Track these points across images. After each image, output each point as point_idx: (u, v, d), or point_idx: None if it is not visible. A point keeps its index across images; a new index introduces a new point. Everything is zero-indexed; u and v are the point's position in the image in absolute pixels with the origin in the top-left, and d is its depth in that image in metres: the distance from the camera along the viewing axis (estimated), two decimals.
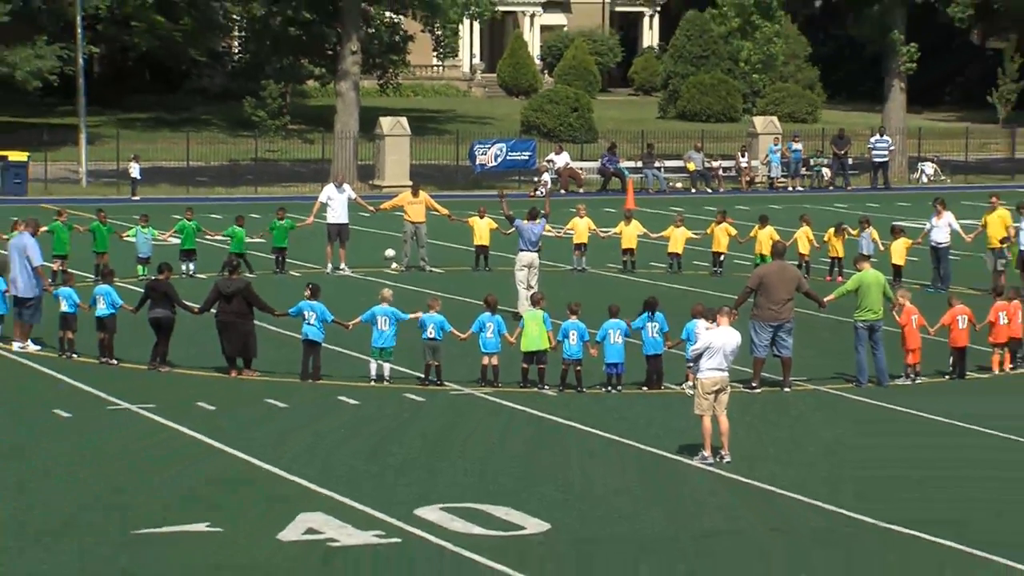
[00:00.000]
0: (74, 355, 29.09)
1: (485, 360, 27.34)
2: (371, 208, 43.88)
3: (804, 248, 38.97)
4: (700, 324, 25.18)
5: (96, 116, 69.50)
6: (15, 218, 33.27)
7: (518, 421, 25.44)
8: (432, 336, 27.29)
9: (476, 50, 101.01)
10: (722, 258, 40.46)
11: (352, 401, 26.42)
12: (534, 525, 19.75)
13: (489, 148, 64.30)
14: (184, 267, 37.16)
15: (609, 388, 27.13)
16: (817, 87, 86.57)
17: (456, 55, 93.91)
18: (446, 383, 27.35)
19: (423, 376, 27.38)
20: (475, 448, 23.85)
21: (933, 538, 19.18)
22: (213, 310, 28.32)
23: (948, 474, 22.52)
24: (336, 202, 40.86)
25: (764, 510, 20.79)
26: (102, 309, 28.77)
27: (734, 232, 40.71)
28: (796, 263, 35.99)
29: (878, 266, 30.36)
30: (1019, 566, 18.30)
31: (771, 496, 21.34)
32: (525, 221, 34.71)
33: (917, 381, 28.17)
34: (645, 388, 27.19)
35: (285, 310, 28.41)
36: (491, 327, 27.30)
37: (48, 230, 36.05)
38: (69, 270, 35.19)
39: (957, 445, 24.37)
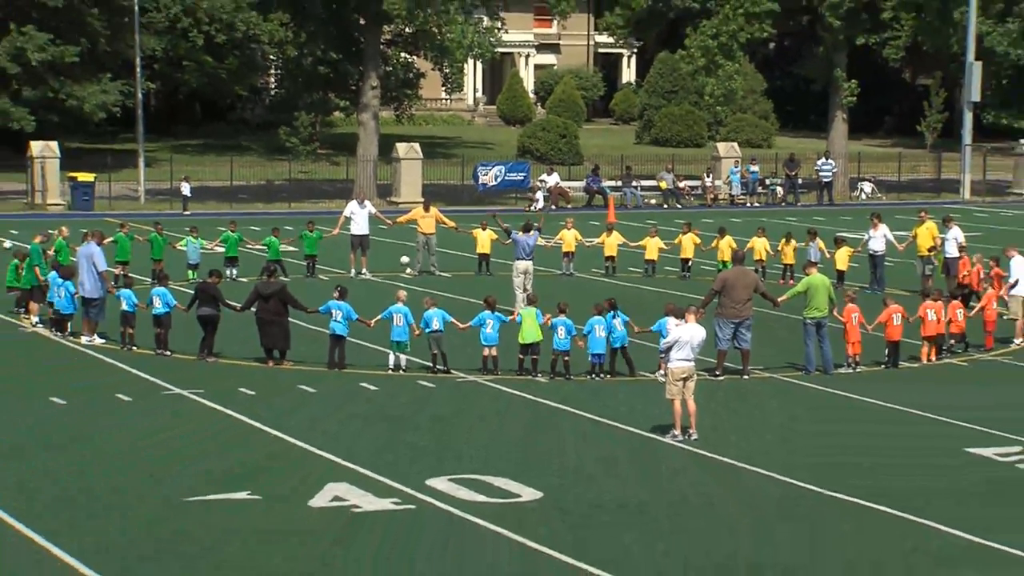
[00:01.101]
0: (134, 348, 29.13)
1: (486, 351, 27.38)
2: (388, 221, 43.88)
3: (760, 255, 39.07)
4: (671, 321, 25.20)
5: (152, 143, 69.52)
6: (84, 230, 33.31)
7: (515, 404, 25.45)
8: (436, 328, 27.34)
9: (479, 85, 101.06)
10: (689, 264, 40.53)
11: (372, 387, 26.45)
12: (529, 493, 19.81)
13: (490, 169, 64.32)
14: (228, 272, 37.17)
15: (593, 375, 27.17)
16: (771, 117, 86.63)
17: (462, 90, 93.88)
18: (452, 371, 27.39)
19: (431, 365, 27.42)
20: (478, 427, 23.89)
21: (864, 502, 19.27)
22: (253, 309, 28.39)
23: (883, 450, 22.59)
24: (358, 216, 40.92)
25: (728, 480, 20.86)
26: (158, 308, 28.84)
27: (699, 241, 40.80)
28: (754, 268, 36.03)
29: (824, 271, 30.44)
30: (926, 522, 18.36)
31: (733, 468, 21.41)
32: (520, 233, 34.83)
33: (857, 370, 28.21)
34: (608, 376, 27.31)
35: (316, 308, 28.50)
36: (490, 323, 27.38)
37: (112, 240, 36.16)
38: (130, 274, 35.26)
39: (891, 424, 24.44)
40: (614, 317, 27.15)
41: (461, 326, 27.71)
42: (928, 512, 19.08)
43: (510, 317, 28.23)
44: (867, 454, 22.23)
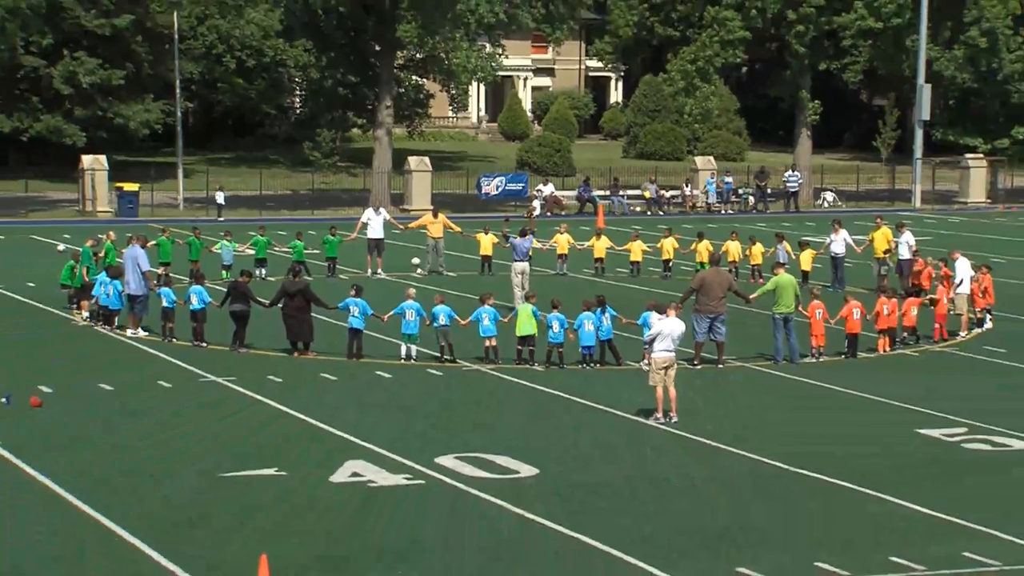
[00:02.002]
0: (173, 340, 29.13)
1: (486, 343, 27.40)
2: (401, 226, 43.92)
3: (734, 257, 39.08)
4: (653, 316, 25.19)
5: (190, 156, 69.50)
6: (129, 235, 33.29)
7: (515, 391, 25.46)
8: (443, 323, 27.38)
9: (482, 105, 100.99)
10: (670, 265, 40.49)
11: (387, 376, 26.45)
12: (526, 470, 19.83)
13: (492, 180, 64.35)
14: (258, 272, 37.16)
15: (584, 365, 27.16)
16: (744, 134, 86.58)
17: (466, 109, 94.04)
18: (458, 360, 27.39)
19: (439, 355, 27.44)
20: (481, 411, 23.90)
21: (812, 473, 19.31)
22: (280, 305, 28.40)
23: (844, 432, 22.63)
24: (374, 222, 40.90)
25: (704, 458, 20.88)
26: (195, 304, 28.82)
27: (678, 245, 40.88)
28: (728, 269, 36.02)
29: (790, 271, 30.43)
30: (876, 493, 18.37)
31: (709, 448, 21.42)
32: (517, 238, 35.02)
33: (821, 360, 28.21)
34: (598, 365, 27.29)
35: (335, 305, 28.50)
36: (486, 317, 27.38)
37: (155, 243, 36.16)
38: (170, 274, 35.27)
39: (850, 408, 24.47)
40: (603, 313, 27.20)
41: (463, 322, 27.73)
42: (885, 487, 19.09)
43: (507, 317, 28.11)
44: (830, 435, 22.25)
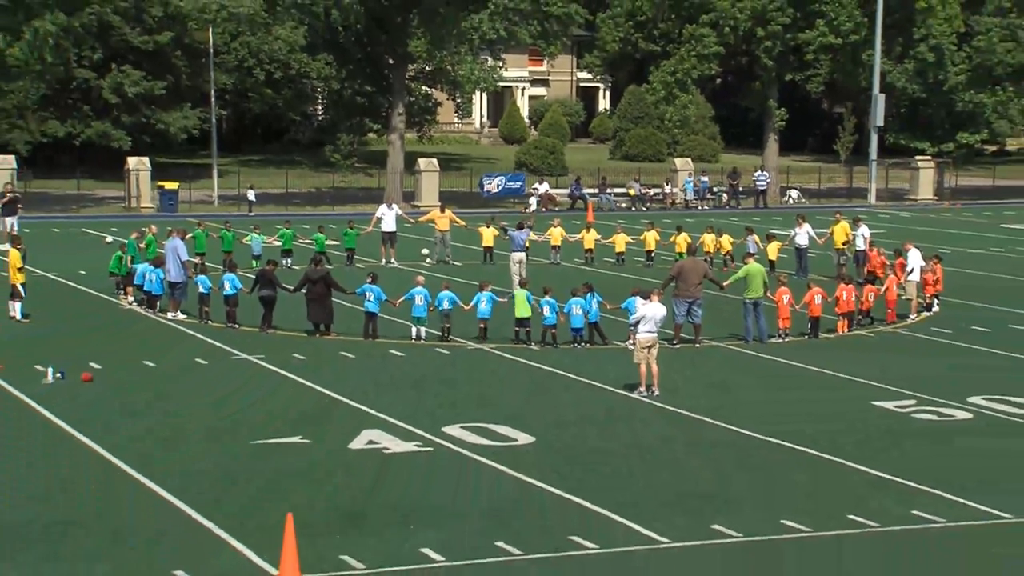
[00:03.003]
0: (209, 322, 29.12)
1: (481, 324, 27.40)
2: (411, 220, 43.94)
3: (709, 248, 39.04)
4: (638, 300, 25.19)
5: (224, 158, 69.43)
6: (169, 228, 33.24)
7: (513, 368, 25.46)
8: (447, 308, 27.41)
9: (484, 112, 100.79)
10: (652, 255, 40.51)
11: (399, 354, 26.44)
12: (524, 438, 19.84)
13: (493, 179, 64.31)
14: (284, 261, 37.14)
15: (575, 345, 27.16)
16: (718, 138, 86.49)
17: (470, 116, 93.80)
18: (461, 340, 27.37)
19: (441, 334, 27.43)
20: (483, 385, 23.90)
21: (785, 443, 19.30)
22: (303, 291, 28.40)
23: (807, 403, 22.64)
24: (388, 216, 40.87)
25: (683, 428, 20.88)
26: (228, 290, 28.83)
27: (659, 237, 40.87)
28: (703, 259, 35.99)
29: (759, 261, 30.43)
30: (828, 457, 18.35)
31: (688, 418, 21.43)
32: (515, 230, 35.03)
33: (786, 340, 28.22)
34: (588, 344, 27.27)
35: (353, 291, 28.50)
36: (484, 301, 27.39)
37: (192, 236, 36.08)
38: (206, 263, 35.24)
39: (813, 383, 24.48)
40: (592, 297, 27.21)
41: (466, 308, 27.71)
42: (842, 453, 19.12)
43: (502, 299, 28.08)
44: (795, 406, 22.26)
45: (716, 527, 15.72)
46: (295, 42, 71.50)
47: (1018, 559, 15.05)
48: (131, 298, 31.67)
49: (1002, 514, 16.47)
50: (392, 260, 40.06)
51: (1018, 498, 17.05)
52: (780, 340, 28.16)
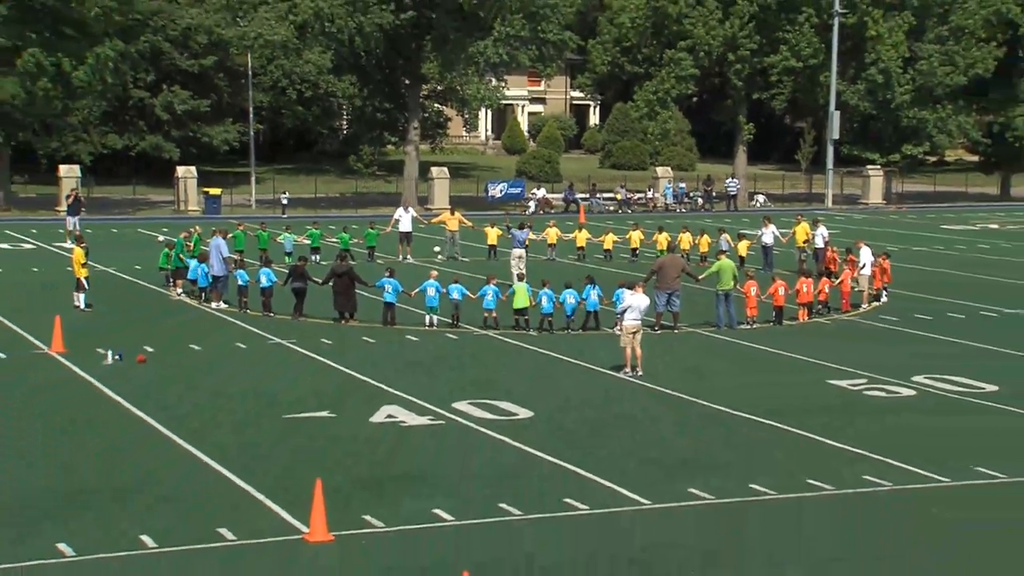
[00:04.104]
0: (247, 311, 29.12)
1: (486, 314, 27.36)
2: (425, 222, 43.94)
3: (686, 246, 39.01)
4: (625, 292, 25.21)
5: (260, 167, 69.34)
6: (213, 228, 33.30)
7: (513, 351, 25.45)
8: (457, 298, 27.37)
9: (489, 127, 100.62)
10: (636, 251, 40.47)
11: (414, 339, 26.44)
12: (523, 412, 19.84)
13: (497, 185, 64.29)
14: (313, 258, 37.12)
15: (568, 330, 27.11)
16: (694, 149, 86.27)
17: (477, 129, 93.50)
18: (468, 327, 27.36)
19: (451, 322, 27.40)
20: (488, 365, 23.90)
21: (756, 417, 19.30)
22: (330, 283, 28.37)
23: (772, 382, 22.63)
24: (404, 218, 40.86)
25: (663, 403, 20.87)
26: (264, 283, 28.83)
27: (643, 236, 40.83)
28: (681, 255, 35.94)
29: (730, 257, 30.36)
30: (798, 431, 18.34)
31: (667, 395, 21.42)
32: (517, 229, 35.03)
33: (754, 327, 28.20)
34: (581, 330, 27.23)
35: (373, 283, 28.48)
36: (490, 293, 27.36)
37: (232, 235, 36.02)
38: (244, 259, 35.17)
39: (777, 364, 24.46)
40: (592, 288, 27.18)
41: (473, 297, 27.70)
42: (802, 425, 19.12)
43: (504, 294, 28.05)
44: (761, 384, 22.25)
45: (691, 490, 15.72)
46: (323, 65, 71.28)
47: (953, 518, 15.09)
48: (179, 290, 31.66)
49: (940, 478, 16.48)
50: (408, 257, 40.01)
51: (955, 464, 17.05)
52: (748, 327, 28.14)
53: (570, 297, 26.95)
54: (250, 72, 63.87)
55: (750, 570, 13.19)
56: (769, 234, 38.26)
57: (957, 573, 13.38)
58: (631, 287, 24.33)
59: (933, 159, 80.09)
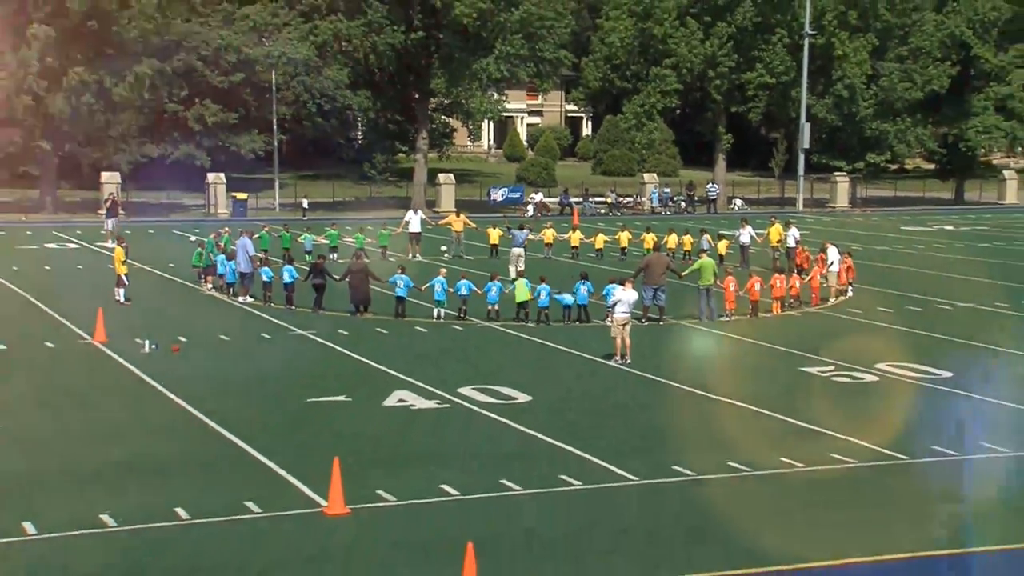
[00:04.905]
0: (271, 304, 29.05)
1: (489, 308, 27.32)
2: (433, 223, 43.82)
3: (670, 245, 38.95)
4: (617, 288, 25.16)
5: (284, 173, 69.13)
6: (240, 229, 33.23)
7: (514, 341, 25.41)
8: (464, 293, 27.32)
9: (491, 137, 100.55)
10: (625, 251, 40.37)
11: (423, 330, 26.40)
12: (522, 397, 19.82)
13: (498, 190, 64.13)
14: (331, 256, 36.97)
15: (565, 322, 27.06)
16: (677, 157, 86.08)
17: (480, 139, 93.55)
18: (474, 319, 27.34)
19: (458, 315, 27.34)
20: (491, 354, 23.88)
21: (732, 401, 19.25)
22: (347, 279, 28.32)
23: (748, 368, 22.60)
24: (414, 220, 40.76)
25: (650, 389, 20.85)
26: (286, 279, 28.71)
27: (631, 236, 40.76)
28: (666, 253, 35.89)
29: (711, 255, 30.35)
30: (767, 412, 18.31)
31: (653, 381, 21.39)
32: (517, 230, 34.95)
33: (732, 319, 28.17)
34: (577, 323, 27.21)
35: (386, 279, 28.43)
36: (494, 289, 27.32)
37: (258, 236, 35.93)
38: (269, 257, 35.12)
39: (752, 352, 24.42)
40: (583, 284, 27.15)
41: (479, 292, 27.67)
42: (775, 408, 19.09)
43: (506, 290, 28.01)
44: (738, 371, 22.26)
45: (676, 468, 15.71)
46: (340, 81, 71.07)
47: (904, 489, 15.10)
48: (210, 285, 31.62)
49: (901, 456, 16.47)
50: (417, 255, 39.95)
51: (910, 440, 17.04)
52: (727, 319, 28.12)
53: (583, 288, 26.99)
54: (274, 87, 63.78)
55: (730, 539, 13.18)
56: (746, 234, 38.21)
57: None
58: (621, 283, 24.29)
59: (894, 167, 79.92)
